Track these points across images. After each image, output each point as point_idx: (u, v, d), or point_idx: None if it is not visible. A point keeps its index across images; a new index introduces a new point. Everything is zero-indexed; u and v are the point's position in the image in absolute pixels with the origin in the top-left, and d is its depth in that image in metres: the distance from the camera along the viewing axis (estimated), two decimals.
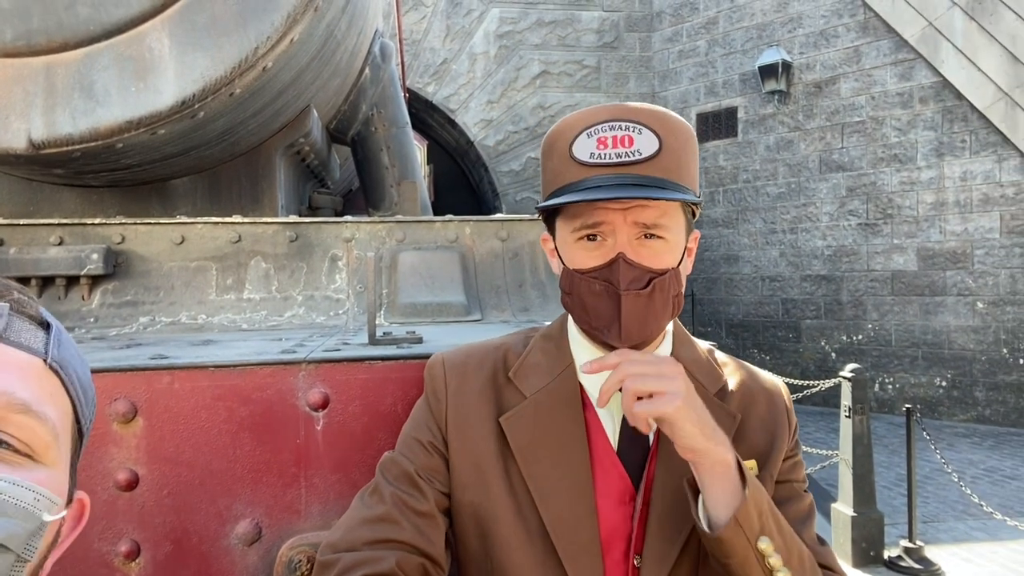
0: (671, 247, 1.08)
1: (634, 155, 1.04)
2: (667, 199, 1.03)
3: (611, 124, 1.06)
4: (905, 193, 10.18)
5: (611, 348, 1.11)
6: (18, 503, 0.64)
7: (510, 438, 1.12)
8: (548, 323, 1.28)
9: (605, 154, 1.05)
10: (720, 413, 1.15)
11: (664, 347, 1.20)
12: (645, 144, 1.04)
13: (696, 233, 1.18)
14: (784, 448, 1.21)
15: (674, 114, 1.11)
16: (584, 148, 1.06)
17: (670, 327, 1.24)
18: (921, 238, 10.05)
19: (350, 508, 1.14)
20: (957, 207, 9.75)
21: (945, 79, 9.71)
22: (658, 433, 1.14)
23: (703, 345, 1.28)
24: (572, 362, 1.18)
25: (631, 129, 1.05)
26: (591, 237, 1.08)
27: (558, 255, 1.16)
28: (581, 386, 1.17)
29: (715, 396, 1.18)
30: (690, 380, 1.16)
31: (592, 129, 1.06)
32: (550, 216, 1.18)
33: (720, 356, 1.28)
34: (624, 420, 1.14)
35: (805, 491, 1.24)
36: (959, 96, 9.62)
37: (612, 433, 1.14)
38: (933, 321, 9.97)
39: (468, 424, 1.15)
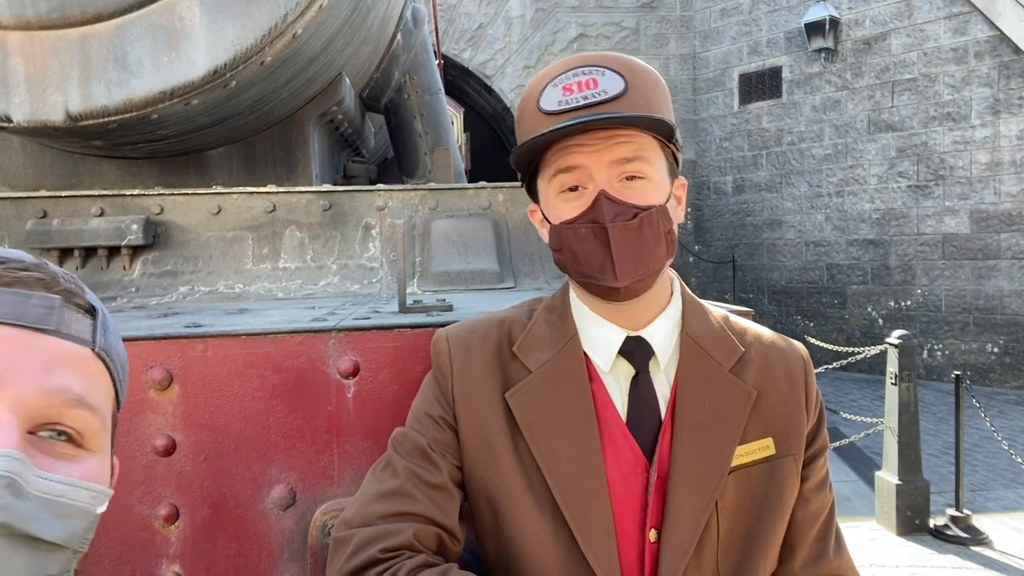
0: (654, 185, 1.07)
1: (600, 95, 1.04)
2: (634, 119, 1.02)
3: (574, 71, 1.06)
4: (958, 153, 9.80)
5: (611, 298, 1.09)
6: (77, 504, 0.67)
7: (516, 414, 1.10)
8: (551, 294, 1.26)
9: (572, 99, 1.05)
10: (734, 392, 1.12)
11: (670, 314, 1.17)
12: (610, 84, 1.04)
13: (682, 180, 1.16)
14: (805, 426, 1.16)
15: (639, 60, 1.10)
16: (551, 98, 1.06)
17: (677, 286, 1.20)
18: (974, 200, 9.69)
19: (363, 484, 1.14)
20: (1013, 167, 9.35)
21: (1002, 33, 9.25)
22: (671, 404, 1.12)
23: (718, 312, 1.23)
24: (576, 333, 1.16)
25: (595, 72, 1.05)
26: (572, 188, 1.07)
27: (546, 220, 1.14)
28: (587, 356, 1.14)
29: (730, 371, 1.14)
30: (702, 355, 1.14)
31: (557, 79, 1.06)
32: (532, 184, 1.17)
33: (736, 323, 1.23)
34: (632, 388, 1.12)
35: (828, 489, 1.20)
36: (1017, 51, 9.17)
37: (621, 404, 1.12)
38: (986, 286, 9.65)
39: (475, 400, 1.14)
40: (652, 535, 1.07)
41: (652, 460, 1.09)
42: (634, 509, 1.08)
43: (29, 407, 0.65)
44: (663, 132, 1.06)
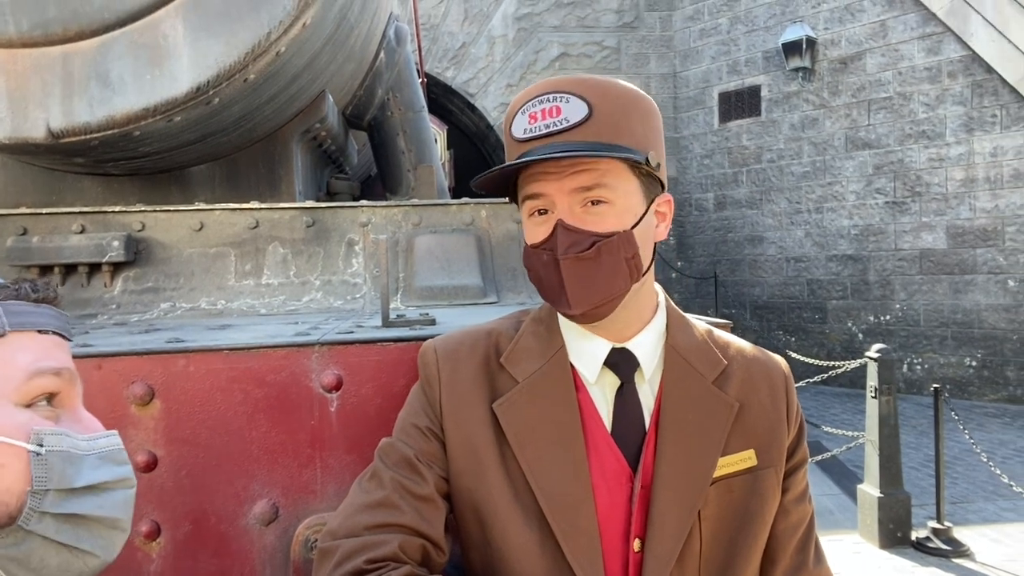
0: (618, 211, 1.06)
1: (561, 123, 1.04)
2: (578, 152, 1.02)
3: (540, 98, 1.06)
4: (934, 170, 9.98)
5: (573, 320, 1.10)
6: (112, 446, 0.84)
7: (504, 424, 1.11)
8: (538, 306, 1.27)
9: (535, 128, 1.05)
10: (717, 404, 1.14)
11: (655, 327, 1.18)
12: (572, 111, 1.04)
13: (666, 196, 1.15)
14: (786, 439, 1.18)
15: (618, 81, 1.09)
16: (519, 125, 1.07)
17: (662, 300, 1.21)
18: (950, 215, 9.85)
19: (349, 495, 1.14)
20: (987, 183, 9.53)
21: (975, 53, 9.46)
22: (655, 415, 1.13)
23: (701, 325, 1.25)
24: (563, 344, 1.17)
25: (559, 99, 1.05)
26: (541, 211, 1.09)
27: None
28: (573, 368, 1.15)
29: (713, 384, 1.15)
30: (686, 367, 1.15)
31: (525, 106, 1.07)
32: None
33: (719, 337, 1.24)
34: (617, 399, 1.13)
35: (808, 501, 1.22)
36: (989, 70, 9.38)
37: (606, 414, 1.13)
38: (963, 300, 9.79)
39: (462, 411, 1.14)
40: (636, 544, 1.07)
41: (636, 470, 1.10)
42: (619, 519, 1.09)
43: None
44: (624, 158, 1.05)
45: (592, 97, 1.05)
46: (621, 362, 1.14)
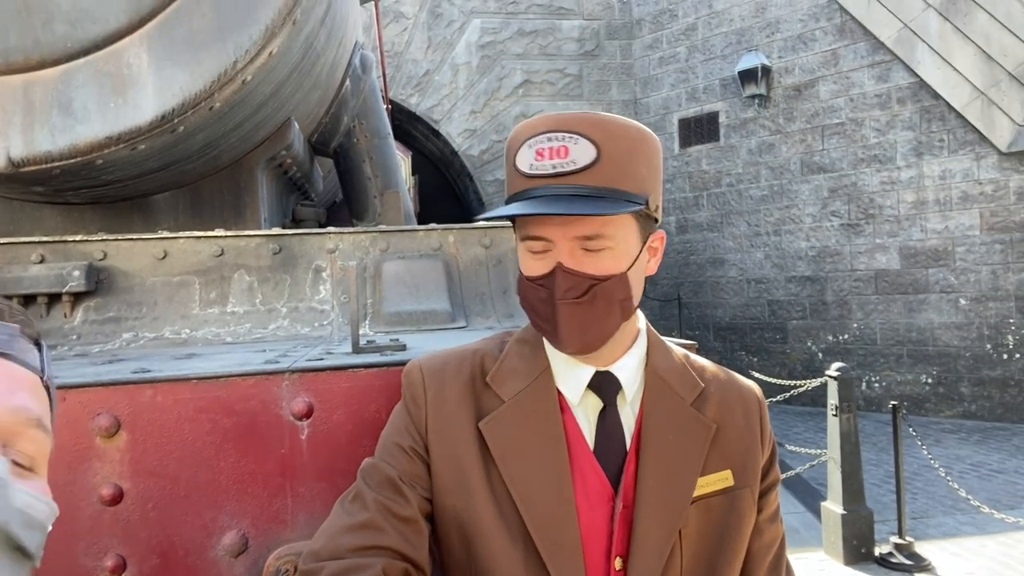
0: (616, 254, 1.08)
1: (568, 166, 1.04)
2: (591, 214, 1.03)
3: (548, 135, 1.06)
4: (886, 193, 10.29)
5: (563, 352, 1.13)
6: (38, 517, 0.69)
7: (490, 443, 1.12)
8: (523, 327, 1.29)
9: (542, 165, 1.06)
10: (695, 425, 1.16)
11: (636, 351, 1.21)
12: (581, 154, 1.04)
13: (660, 233, 1.18)
14: (760, 459, 1.21)
15: (621, 119, 1.09)
16: (524, 159, 1.08)
17: (643, 325, 1.24)
18: (903, 237, 10.16)
19: (331, 515, 1.13)
20: (937, 206, 9.86)
21: (922, 80, 9.84)
22: (636, 434, 1.15)
23: (678, 350, 1.28)
24: (548, 365, 1.18)
25: (567, 139, 1.05)
26: (539, 250, 1.10)
27: None
28: (558, 388, 1.17)
29: (692, 405, 1.18)
30: (666, 389, 1.18)
31: (532, 140, 1.07)
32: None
33: (696, 361, 1.27)
34: (600, 420, 1.15)
35: (779, 521, 1.25)
36: (936, 96, 9.75)
37: (589, 434, 1.15)
38: (917, 319, 10.06)
39: (448, 430, 1.15)
40: (618, 563, 1.09)
41: (618, 490, 1.12)
42: (601, 537, 1.10)
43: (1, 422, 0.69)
44: (628, 207, 1.06)
45: (599, 139, 1.05)
46: (604, 385, 1.16)
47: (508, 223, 2.39)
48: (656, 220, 1.16)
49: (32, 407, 0.72)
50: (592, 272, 1.07)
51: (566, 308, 1.07)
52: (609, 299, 1.08)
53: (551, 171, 1.05)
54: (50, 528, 0.72)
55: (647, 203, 1.09)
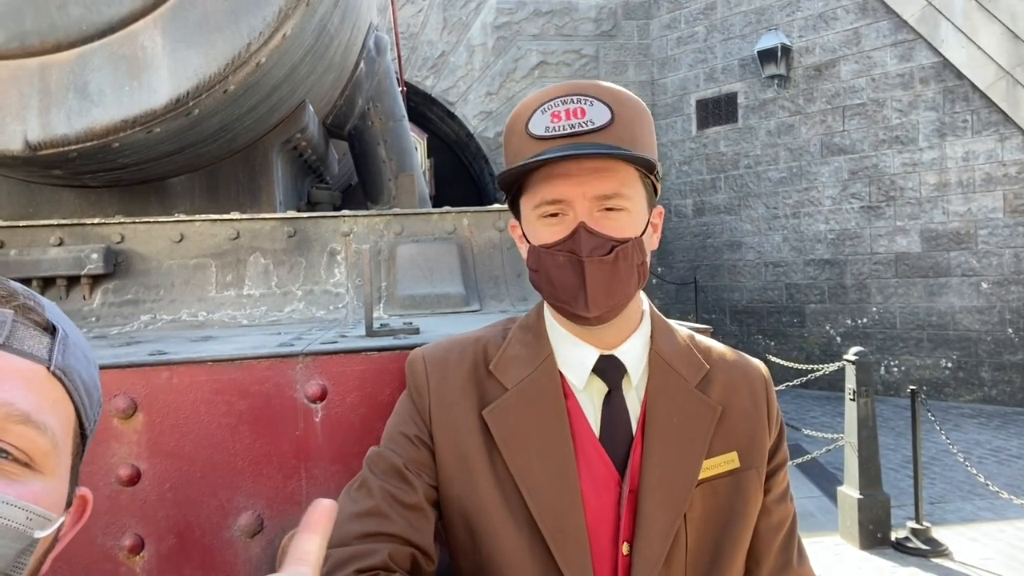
0: (632, 217, 1.09)
1: (586, 125, 1.06)
2: (618, 155, 1.04)
3: (563, 99, 1.08)
4: (907, 175, 10.14)
5: (583, 323, 1.12)
6: (9, 523, 0.64)
7: (494, 431, 1.12)
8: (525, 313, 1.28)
9: (559, 126, 1.07)
10: (701, 407, 1.16)
11: (641, 334, 1.20)
12: (597, 115, 1.06)
13: (660, 208, 1.19)
14: (767, 441, 1.21)
15: (627, 91, 1.13)
16: (539, 123, 1.08)
17: (646, 307, 1.24)
18: (924, 220, 10.02)
19: (337, 504, 1.14)
20: (960, 188, 9.71)
21: (946, 59, 9.65)
22: (642, 420, 1.15)
23: (683, 331, 1.27)
24: (551, 352, 1.18)
25: (583, 102, 1.07)
26: (553, 214, 1.10)
27: (525, 238, 1.16)
28: (561, 374, 1.17)
29: (696, 388, 1.18)
30: (670, 372, 1.17)
31: (546, 105, 1.09)
32: (515, 201, 1.19)
33: (702, 342, 1.27)
34: (605, 405, 1.15)
35: (789, 500, 1.25)
36: (960, 76, 9.57)
37: (593, 420, 1.15)
38: (938, 303, 9.95)
39: (452, 418, 1.15)
40: (625, 548, 1.09)
41: (624, 474, 1.11)
42: (607, 523, 1.10)
43: None
44: (645, 166, 1.09)
45: (612, 103, 1.08)
46: (609, 369, 1.16)
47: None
48: (657, 193, 1.17)
49: (17, 402, 0.66)
50: (612, 234, 1.07)
51: (593, 267, 1.06)
52: (629, 262, 1.09)
53: (568, 130, 1.07)
54: (41, 534, 0.67)
55: (655, 172, 1.11)
